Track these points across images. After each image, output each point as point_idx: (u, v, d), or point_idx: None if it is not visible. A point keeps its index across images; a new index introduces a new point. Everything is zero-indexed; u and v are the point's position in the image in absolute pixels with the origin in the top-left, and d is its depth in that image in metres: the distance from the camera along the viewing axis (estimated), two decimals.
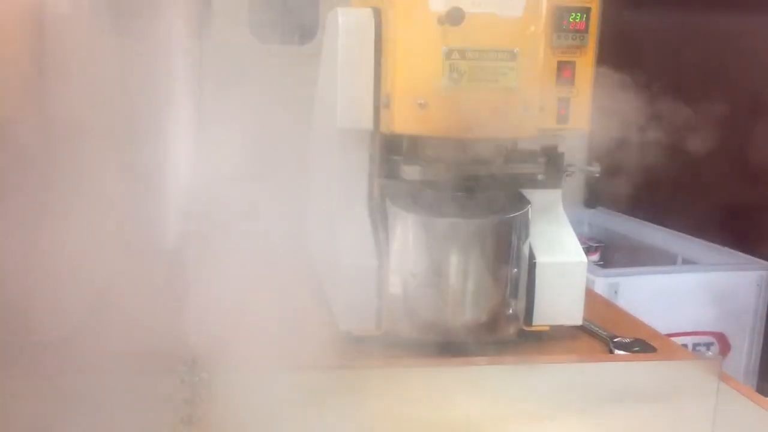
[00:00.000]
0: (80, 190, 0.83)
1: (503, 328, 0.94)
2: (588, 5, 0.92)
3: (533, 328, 0.96)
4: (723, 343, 1.66)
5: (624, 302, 1.40)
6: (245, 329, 1.01)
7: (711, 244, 1.80)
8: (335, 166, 0.96)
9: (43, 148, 0.87)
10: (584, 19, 0.92)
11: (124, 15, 0.88)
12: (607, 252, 2.05)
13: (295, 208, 1.16)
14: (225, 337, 0.87)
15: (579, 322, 0.97)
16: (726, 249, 1.78)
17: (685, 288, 1.62)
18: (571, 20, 0.92)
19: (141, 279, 0.84)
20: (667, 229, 1.92)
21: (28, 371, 0.77)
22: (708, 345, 1.64)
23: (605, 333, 0.99)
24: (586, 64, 0.95)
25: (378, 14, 0.90)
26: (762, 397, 0.85)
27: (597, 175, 1.01)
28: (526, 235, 0.95)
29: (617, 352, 0.96)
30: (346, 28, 0.90)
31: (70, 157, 0.86)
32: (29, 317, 0.78)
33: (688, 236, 1.86)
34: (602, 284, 1.54)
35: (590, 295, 1.01)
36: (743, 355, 1.68)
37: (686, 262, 1.81)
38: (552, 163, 0.99)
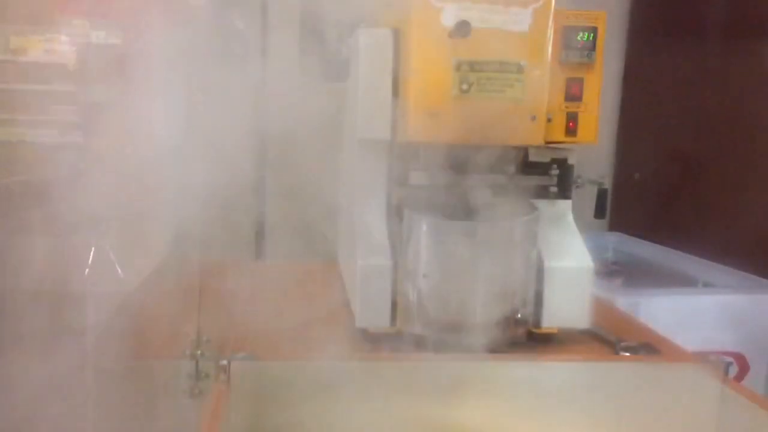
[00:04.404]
0: None
1: (512, 329, 0.97)
2: (595, 25, 0.98)
3: (542, 330, 1.00)
4: (742, 364, 1.66)
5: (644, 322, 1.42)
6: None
7: (731, 269, 1.82)
8: (356, 173, 1.01)
9: None
10: (591, 38, 0.98)
11: None
12: (631, 276, 2.06)
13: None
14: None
15: (586, 324, 1.00)
16: (745, 274, 1.79)
17: (704, 309, 1.63)
18: (578, 39, 0.97)
19: None
20: (689, 255, 1.94)
21: None
22: (727, 365, 1.64)
23: (612, 337, 1.02)
24: (593, 80, 0.99)
25: (396, 35, 0.95)
26: (766, 400, 0.86)
27: (605, 187, 1.06)
28: (535, 240, 0.98)
29: (623, 354, 0.98)
30: (367, 48, 0.96)
31: None
32: None
33: (709, 261, 1.88)
34: (623, 304, 1.56)
35: (599, 303, 1.04)
36: (762, 376, 1.68)
37: (706, 285, 1.82)
38: (562, 175, 1.03)
